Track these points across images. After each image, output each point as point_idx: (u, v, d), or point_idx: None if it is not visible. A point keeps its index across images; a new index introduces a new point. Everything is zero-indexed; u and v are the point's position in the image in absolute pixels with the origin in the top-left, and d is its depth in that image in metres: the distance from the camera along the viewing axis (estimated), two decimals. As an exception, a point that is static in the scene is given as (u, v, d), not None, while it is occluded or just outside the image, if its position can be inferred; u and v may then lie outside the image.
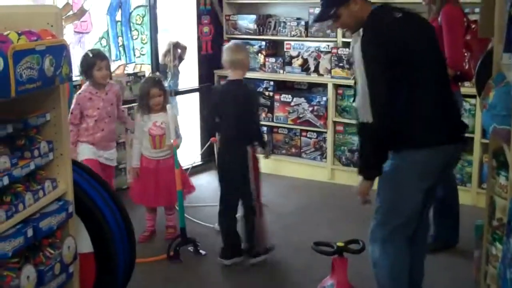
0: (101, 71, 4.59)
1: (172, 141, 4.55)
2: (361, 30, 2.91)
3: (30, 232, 2.56)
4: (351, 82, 5.63)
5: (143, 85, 4.75)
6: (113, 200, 3.20)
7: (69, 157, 2.94)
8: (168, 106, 4.64)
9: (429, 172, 3.02)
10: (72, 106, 4.53)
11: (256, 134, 4.38)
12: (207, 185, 5.95)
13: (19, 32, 2.45)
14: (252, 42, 6.36)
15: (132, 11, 5.78)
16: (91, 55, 4.62)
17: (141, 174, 4.68)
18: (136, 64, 5.87)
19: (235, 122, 4.17)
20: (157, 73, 5.12)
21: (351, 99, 5.67)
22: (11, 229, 2.49)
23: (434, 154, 2.96)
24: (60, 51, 2.60)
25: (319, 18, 3.32)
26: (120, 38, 5.69)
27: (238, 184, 4.25)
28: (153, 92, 4.62)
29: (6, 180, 2.48)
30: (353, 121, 5.72)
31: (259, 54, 6.33)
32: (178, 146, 4.61)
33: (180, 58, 6.47)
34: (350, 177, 5.78)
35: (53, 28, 2.76)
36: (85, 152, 4.59)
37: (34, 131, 2.78)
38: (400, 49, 2.87)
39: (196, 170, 6.14)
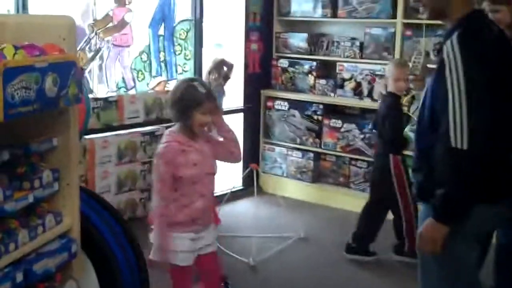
0: (205, 116, 3.09)
1: None
2: (454, 37, 2.32)
3: (19, 277, 2.21)
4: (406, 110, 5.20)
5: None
6: (127, 236, 2.84)
7: (77, 187, 2.59)
8: None
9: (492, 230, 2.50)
10: (160, 170, 3.02)
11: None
12: (245, 212, 5.56)
13: (18, 45, 2.12)
14: (302, 62, 5.97)
15: (176, 25, 5.47)
16: (201, 90, 3.04)
17: None
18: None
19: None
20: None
21: (406, 128, 5.22)
22: (-3, 273, 2.15)
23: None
24: (67, 69, 2.25)
25: None
26: (162, 53, 5.38)
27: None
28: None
29: (-5, 216, 2.14)
30: (407, 152, 5.25)
31: (309, 75, 5.93)
32: None
33: (226, 77, 6.10)
34: (402, 213, 5.33)
35: (65, 42, 2.42)
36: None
37: (37, 157, 2.44)
38: (505, 70, 2.35)
39: (236, 195, 5.76)
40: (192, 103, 2.99)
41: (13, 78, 1.97)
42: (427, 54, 3.47)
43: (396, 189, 4.44)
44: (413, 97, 3.26)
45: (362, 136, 5.52)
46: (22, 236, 2.29)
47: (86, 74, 4.84)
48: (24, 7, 4.34)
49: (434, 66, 2.62)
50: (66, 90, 2.25)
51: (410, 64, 3.19)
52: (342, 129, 5.65)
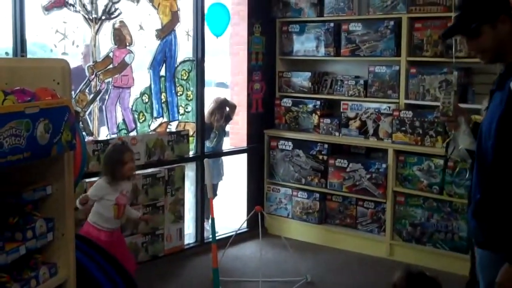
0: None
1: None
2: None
3: (9, 336, 2.08)
4: (414, 148, 5.10)
5: (112, 153, 4.25)
6: (124, 280, 2.70)
7: (72, 237, 2.47)
8: (205, 160, 4.18)
9: None
10: None
11: None
12: (251, 255, 5.42)
13: (8, 91, 2.03)
14: (306, 101, 5.89)
15: (177, 66, 5.40)
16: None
17: None
18: (179, 122, 5.46)
19: None
20: (118, 140, 4.61)
21: (414, 167, 5.11)
22: (-14, 332, 2.02)
23: None
24: (60, 114, 2.16)
25: (451, 31, 2.77)
26: (163, 94, 5.30)
27: None
28: (126, 157, 4.18)
29: (-16, 271, 2.02)
30: (416, 192, 5.14)
31: (314, 114, 5.84)
32: None
33: (228, 118, 6.04)
34: (411, 255, 5.18)
35: (59, 86, 2.34)
36: None
37: (30, 207, 2.33)
38: None
39: (241, 237, 5.62)
40: None
41: (1, 125, 1.88)
42: (455, 93, 3.37)
43: None
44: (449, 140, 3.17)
45: (368, 175, 5.40)
46: (14, 291, 2.16)
47: (86, 116, 4.76)
48: (23, 50, 4.28)
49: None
50: (59, 136, 2.15)
51: (440, 106, 3.10)
52: (348, 169, 5.53)
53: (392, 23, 5.28)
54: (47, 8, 4.47)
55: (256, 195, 6.08)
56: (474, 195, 2.54)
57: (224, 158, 6.25)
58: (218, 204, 6.10)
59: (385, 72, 5.37)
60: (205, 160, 4.26)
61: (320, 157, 5.71)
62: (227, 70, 7.51)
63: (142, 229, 4.96)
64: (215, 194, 6.12)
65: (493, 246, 2.43)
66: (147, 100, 5.19)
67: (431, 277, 2.13)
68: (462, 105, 4.78)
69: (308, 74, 5.88)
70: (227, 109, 6.01)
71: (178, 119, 5.43)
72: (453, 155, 3.13)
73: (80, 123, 4.61)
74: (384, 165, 5.31)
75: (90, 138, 4.75)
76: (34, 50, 4.79)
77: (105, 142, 4.73)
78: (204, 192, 5.34)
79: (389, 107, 5.36)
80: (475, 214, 2.51)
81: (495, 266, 2.37)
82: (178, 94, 5.41)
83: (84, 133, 4.58)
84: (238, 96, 6.57)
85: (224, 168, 6.19)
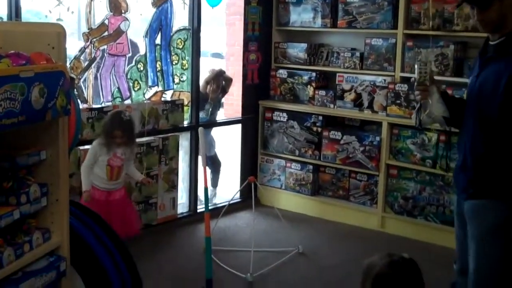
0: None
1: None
2: None
3: (4, 298, 2.10)
4: (408, 121, 5.09)
5: (106, 123, 4.52)
6: (118, 248, 2.72)
7: (66, 203, 2.48)
8: (200, 129, 4.22)
9: None
10: None
11: None
12: (243, 225, 5.45)
13: (3, 54, 2.02)
14: (301, 72, 5.87)
15: (173, 35, 5.36)
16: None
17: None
18: (174, 91, 5.44)
19: None
20: (126, 111, 4.71)
21: (408, 140, 5.12)
22: (-20, 294, 2.04)
23: None
24: (55, 79, 2.15)
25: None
26: (158, 63, 5.27)
27: None
28: (116, 133, 4.42)
29: (-22, 234, 2.02)
30: (409, 165, 5.15)
31: (309, 86, 5.83)
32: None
33: (224, 90, 6.02)
34: (403, 227, 5.22)
35: (54, 51, 2.32)
36: None
37: (24, 172, 2.33)
38: None
39: (234, 208, 5.64)
40: None
41: (-5, 89, 1.87)
42: (430, 63, 3.44)
43: None
44: (419, 108, 3.24)
45: (362, 148, 5.40)
46: (8, 255, 2.18)
47: (81, 83, 4.73)
48: (17, 15, 4.24)
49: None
50: (54, 101, 2.15)
51: (417, 76, 3.16)
52: (342, 141, 5.53)
53: (389, -5, 5.25)
54: (42, -27, 4.43)
55: (250, 166, 6.09)
56: (473, 150, 2.89)
57: (218, 129, 6.25)
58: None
59: (382, 44, 5.35)
60: (200, 128, 4.26)
61: (314, 129, 5.71)
62: (222, 41, 7.47)
63: (136, 198, 4.97)
64: (218, 165, 6.16)
65: (493, 194, 2.82)
66: (142, 68, 5.16)
67: (411, 259, 2.15)
68: (457, 79, 4.86)
69: (304, 45, 5.84)
70: (223, 81, 5.98)
71: (173, 88, 5.41)
72: (424, 121, 3.24)
73: (75, 90, 4.58)
74: (378, 138, 5.31)
75: (85, 105, 4.74)
76: (28, 17, 4.74)
77: (100, 110, 4.73)
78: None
79: (385, 80, 5.35)
80: (477, 166, 2.86)
81: (492, 211, 2.82)
82: (174, 63, 5.38)
83: (78, 100, 4.55)
84: (234, 66, 6.55)
85: (215, 143, 6.18)
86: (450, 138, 4.16)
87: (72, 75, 4.56)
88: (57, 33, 2.35)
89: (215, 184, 6.16)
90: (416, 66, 3.36)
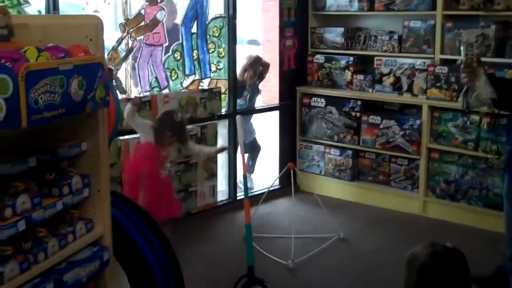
0: None
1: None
2: None
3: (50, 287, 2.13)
4: (449, 104, 5.00)
5: (157, 122, 4.52)
6: (160, 242, 2.74)
7: (108, 193, 2.50)
8: (237, 117, 4.26)
9: None
10: None
11: None
12: (283, 212, 5.44)
13: (42, 47, 2.03)
14: (339, 57, 5.81)
15: (209, 23, 5.36)
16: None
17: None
18: (211, 79, 5.45)
19: None
20: (178, 112, 4.72)
21: (449, 123, 5.04)
22: (26, 285, 2.07)
23: None
24: (93, 71, 2.16)
25: None
26: (195, 52, 5.28)
27: None
28: (166, 133, 4.44)
29: (22, 225, 2.04)
30: (450, 148, 5.07)
31: (346, 71, 5.77)
32: None
33: (261, 76, 5.99)
34: (445, 212, 5.15)
35: (92, 43, 2.33)
36: None
37: (65, 163, 2.36)
38: None
39: (273, 194, 5.64)
40: None
41: (36, 82, 1.88)
42: (476, 46, 3.38)
43: None
44: (467, 90, 3.20)
45: (402, 132, 5.34)
46: (52, 245, 2.20)
47: (119, 74, 4.77)
48: (55, 7, 4.28)
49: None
50: (93, 93, 2.15)
51: (463, 57, 3.11)
52: (381, 126, 5.47)
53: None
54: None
55: (289, 153, 6.07)
56: None
57: (256, 116, 6.24)
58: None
59: (420, 26, 5.26)
60: (237, 117, 4.27)
61: (353, 113, 5.66)
62: (259, 28, 7.44)
63: (176, 186, 5.00)
64: (258, 149, 6.16)
65: None
66: (179, 57, 5.18)
67: (455, 248, 2.12)
68: (499, 60, 4.75)
69: (341, 29, 5.79)
70: (260, 67, 5.96)
71: (210, 77, 5.42)
72: (472, 104, 3.18)
73: (113, 81, 4.62)
74: (418, 122, 5.24)
75: (124, 96, 4.77)
76: (66, 9, 4.79)
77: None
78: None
79: (424, 63, 5.26)
80: None
81: None
82: (210, 51, 5.39)
83: (117, 91, 4.59)
84: (270, 53, 6.53)
85: (254, 128, 6.17)
86: (495, 120, 4.09)
87: (110, 66, 4.59)
88: (95, 24, 2.36)
89: (251, 170, 6.16)
90: (461, 48, 3.31)
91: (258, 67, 5.93)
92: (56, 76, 1.97)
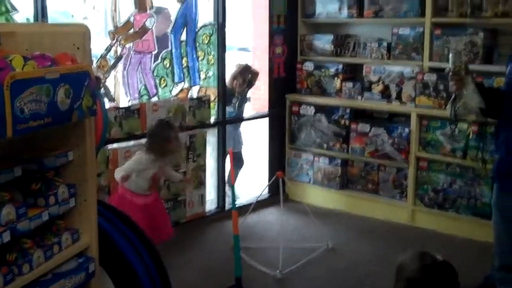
0: None
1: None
2: None
3: (35, 300, 2.10)
4: (438, 112, 5.00)
5: (158, 130, 4.35)
6: (149, 252, 2.71)
7: (94, 203, 2.47)
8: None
9: None
10: None
11: None
12: (272, 221, 5.42)
13: (28, 56, 2.01)
14: (328, 64, 5.80)
15: (198, 30, 5.34)
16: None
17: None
18: (201, 87, 5.42)
19: None
20: (165, 117, 4.74)
21: (437, 131, 5.04)
22: (10, 297, 2.04)
23: None
24: (80, 80, 2.14)
25: None
26: (184, 59, 5.26)
27: None
28: (173, 135, 4.33)
29: (7, 236, 2.02)
30: (439, 157, 5.07)
31: (336, 78, 5.76)
32: None
33: (250, 84, 5.98)
34: (433, 221, 5.14)
35: (80, 51, 2.32)
36: None
37: (51, 173, 2.33)
38: None
39: (262, 204, 5.61)
40: None
41: (22, 91, 1.86)
42: (464, 53, 3.39)
43: None
44: (455, 99, 3.20)
45: (391, 141, 5.33)
46: (37, 256, 2.18)
47: (108, 82, 4.74)
48: (44, 15, 4.25)
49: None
50: (79, 102, 2.14)
51: (451, 65, 3.11)
52: (370, 134, 5.47)
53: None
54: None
55: (278, 161, 6.05)
56: None
57: (245, 124, 6.22)
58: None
59: (409, 34, 5.26)
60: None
61: (342, 122, 5.65)
62: (249, 35, 7.43)
63: (165, 195, 4.97)
64: (241, 163, 6.12)
65: None
66: (168, 65, 5.16)
67: (445, 262, 2.10)
68: (487, 67, 4.76)
69: (330, 37, 5.79)
70: (249, 75, 5.95)
71: (199, 84, 5.40)
72: (459, 113, 3.18)
73: (102, 89, 4.59)
74: (407, 130, 5.24)
75: (112, 104, 4.74)
76: (55, 16, 4.76)
77: (127, 109, 4.73)
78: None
79: (413, 70, 5.26)
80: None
81: None
82: (199, 59, 5.36)
83: (106, 99, 4.57)
84: (260, 60, 6.51)
85: (242, 137, 6.15)
86: (484, 129, 4.09)
87: (99, 74, 4.56)
88: (82, 33, 2.34)
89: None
90: (450, 56, 3.31)
91: (247, 75, 5.92)
92: (42, 85, 1.95)
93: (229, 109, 5.66)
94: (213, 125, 5.45)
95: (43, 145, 2.33)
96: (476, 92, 3.13)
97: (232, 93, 5.76)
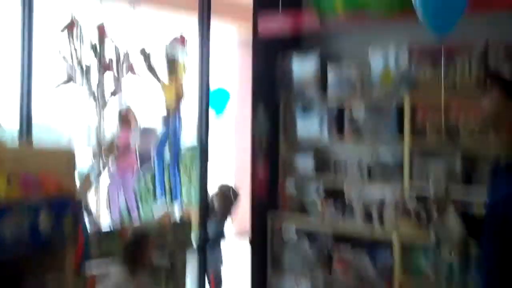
0: None
1: None
2: None
3: None
4: (420, 238, 4.94)
5: (136, 241, 4.07)
6: None
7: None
8: None
9: None
10: None
11: None
12: None
13: (11, 178, 2.00)
14: (309, 186, 5.80)
15: (181, 151, 5.40)
16: None
17: None
18: (183, 207, 5.41)
19: None
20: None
21: (421, 258, 4.97)
22: None
23: None
24: (62, 205, 2.12)
25: (500, 79, 2.81)
26: (166, 179, 5.28)
27: None
28: (150, 240, 4.11)
29: None
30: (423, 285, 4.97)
31: (317, 199, 5.73)
32: None
33: (231, 204, 6.00)
34: None
35: (64, 175, 2.31)
36: None
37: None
38: None
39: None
40: None
41: (2, 215, 1.83)
42: (444, 180, 3.40)
43: None
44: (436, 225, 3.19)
45: (373, 267, 5.24)
46: None
47: (89, 201, 4.70)
48: (29, 131, 4.27)
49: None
50: (61, 227, 2.10)
51: (431, 192, 3.12)
52: (353, 259, 5.38)
53: (394, 107, 5.25)
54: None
55: (259, 285, 5.89)
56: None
57: (227, 243, 6.15)
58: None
59: (388, 157, 5.31)
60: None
61: (325, 245, 5.57)
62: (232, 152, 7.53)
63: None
64: (220, 283, 5.98)
65: None
66: (150, 183, 5.16)
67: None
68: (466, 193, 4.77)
69: (311, 158, 5.82)
70: (231, 196, 5.97)
71: (181, 204, 5.38)
72: (442, 238, 3.15)
73: (84, 207, 4.53)
74: (389, 256, 5.14)
75: (93, 226, 4.66)
76: (40, 132, 4.80)
77: (108, 232, 4.61)
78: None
79: (393, 194, 5.25)
80: None
81: None
82: (182, 179, 5.38)
83: (86, 219, 4.50)
84: (242, 178, 6.53)
85: (222, 258, 6.05)
86: (467, 257, 4.05)
87: (81, 193, 4.52)
88: (67, 157, 2.35)
89: None
90: (430, 182, 3.33)
91: (228, 196, 5.94)
92: (23, 211, 1.92)
93: (210, 228, 5.60)
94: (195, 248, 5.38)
95: (23, 268, 2.27)
96: (458, 218, 3.12)
97: (213, 213, 5.75)
